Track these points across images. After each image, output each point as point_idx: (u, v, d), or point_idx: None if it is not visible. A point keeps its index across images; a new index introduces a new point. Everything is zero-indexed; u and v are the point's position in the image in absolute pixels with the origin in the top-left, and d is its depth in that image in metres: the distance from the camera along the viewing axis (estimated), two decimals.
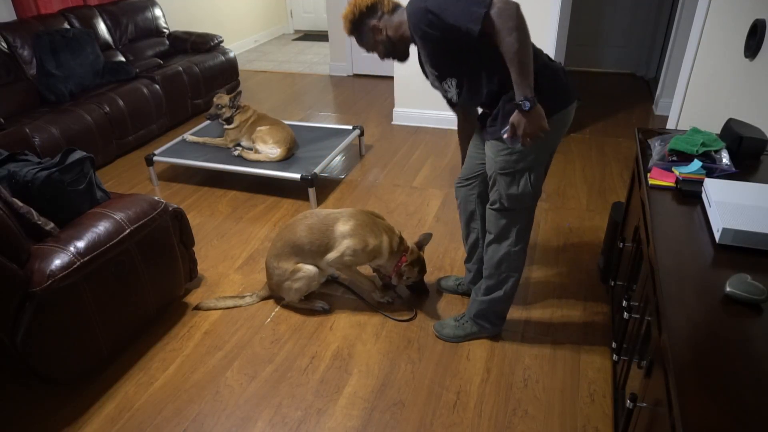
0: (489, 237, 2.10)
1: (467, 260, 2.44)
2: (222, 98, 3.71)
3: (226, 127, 3.75)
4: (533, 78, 1.69)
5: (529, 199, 1.97)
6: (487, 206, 2.07)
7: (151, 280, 2.28)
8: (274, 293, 2.53)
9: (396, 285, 2.55)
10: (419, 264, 2.45)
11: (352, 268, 2.42)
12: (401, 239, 2.45)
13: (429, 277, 2.69)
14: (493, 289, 2.15)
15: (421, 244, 2.50)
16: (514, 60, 1.66)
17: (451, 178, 3.67)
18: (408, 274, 2.44)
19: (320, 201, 3.46)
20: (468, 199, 2.28)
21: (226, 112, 3.71)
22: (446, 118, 4.43)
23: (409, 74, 4.42)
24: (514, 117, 1.74)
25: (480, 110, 2.09)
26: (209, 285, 2.70)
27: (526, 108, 1.69)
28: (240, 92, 3.85)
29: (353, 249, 2.31)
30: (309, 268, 2.36)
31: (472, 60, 1.82)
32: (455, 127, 2.39)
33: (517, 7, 1.62)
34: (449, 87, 1.94)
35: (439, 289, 2.61)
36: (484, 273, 2.17)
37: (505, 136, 1.80)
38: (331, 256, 2.34)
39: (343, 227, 2.33)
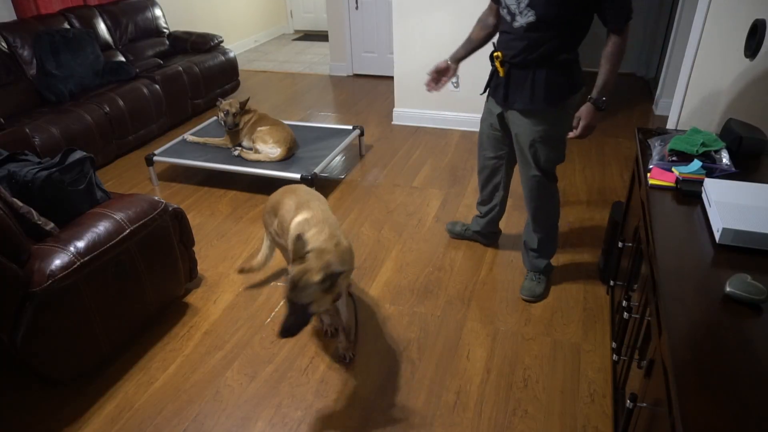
0: (536, 203, 2.37)
1: (481, 215, 2.78)
2: (233, 105, 3.69)
3: (227, 129, 3.75)
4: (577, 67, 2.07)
5: (560, 160, 2.27)
6: (527, 178, 2.32)
7: (151, 280, 2.28)
8: None
9: None
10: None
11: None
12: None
13: (430, 277, 2.69)
14: (551, 241, 2.50)
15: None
16: (615, 61, 2.01)
17: (451, 178, 3.67)
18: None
19: None
20: (496, 172, 2.56)
21: (238, 118, 3.70)
22: (446, 118, 4.44)
23: (409, 74, 4.42)
24: (588, 111, 2.05)
25: (498, 71, 2.17)
26: (209, 285, 2.70)
27: (603, 108, 2.04)
28: (248, 99, 3.85)
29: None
30: None
31: (572, 11, 1.98)
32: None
33: None
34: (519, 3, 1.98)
35: (449, 234, 2.98)
36: (539, 235, 2.46)
37: (571, 135, 2.15)
38: None
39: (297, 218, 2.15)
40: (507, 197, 2.70)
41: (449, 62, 2.39)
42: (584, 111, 2.07)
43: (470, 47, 2.38)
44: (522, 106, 2.14)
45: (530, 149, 2.22)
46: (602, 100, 2.02)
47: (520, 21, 2.00)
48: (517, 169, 2.46)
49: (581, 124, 2.08)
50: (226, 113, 3.65)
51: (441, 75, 2.40)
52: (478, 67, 2.67)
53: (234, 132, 3.72)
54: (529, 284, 2.54)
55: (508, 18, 2.05)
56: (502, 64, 2.13)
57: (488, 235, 2.87)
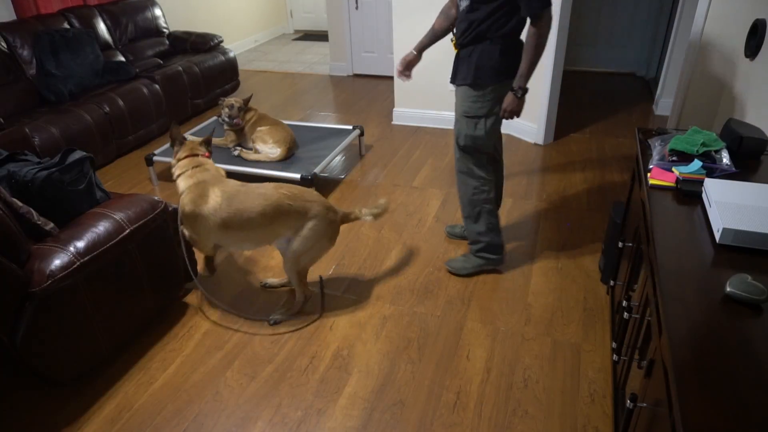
0: (457, 183, 2.57)
1: None
2: (237, 101, 3.68)
3: (227, 128, 3.74)
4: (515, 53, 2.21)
5: (481, 141, 2.40)
6: (454, 149, 2.52)
7: (151, 280, 2.28)
8: None
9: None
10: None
11: None
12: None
13: (430, 277, 2.69)
14: (475, 226, 2.60)
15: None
16: (532, 52, 2.13)
17: (451, 178, 3.67)
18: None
19: None
20: None
21: (241, 115, 3.69)
22: (446, 118, 4.43)
23: None
24: (508, 97, 2.25)
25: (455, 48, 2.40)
26: (209, 285, 2.70)
27: (519, 96, 2.23)
28: (251, 96, 3.84)
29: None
30: None
31: None
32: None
33: (550, 28, 2.14)
34: None
35: (447, 236, 3.00)
36: (462, 214, 2.64)
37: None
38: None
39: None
40: (499, 190, 2.75)
41: (414, 52, 2.62)
42: (506, 97, 2.29)
43: (433, 37, 2.58)
44: (459, 82, 2.38)
45: (456, 124, 2.45)
46: (519, 87, 2.22)
47: (463, 5, 2.27)
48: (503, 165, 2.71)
49: (501, 107, 2.31)
50: (231, 107, 3.63)
51: (410, 65, 2.64)
52: None
53: (237, 130, 3.71)
54: (458, 258, 2.73)
55: (459, 4, 2.31)
56: (455, 46, 2.38)
57: None
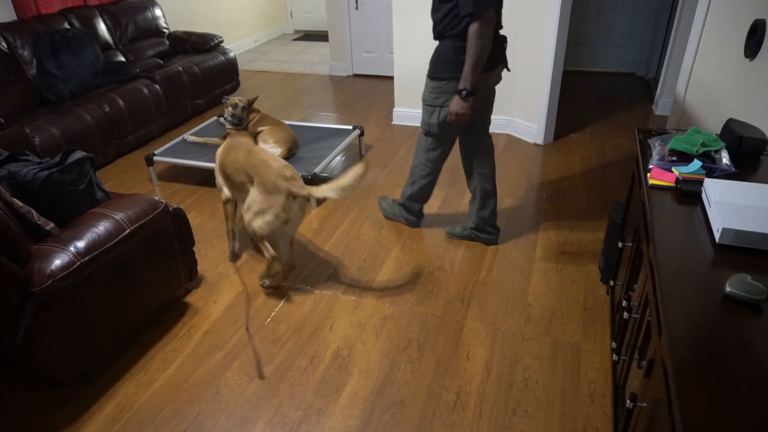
0: (417, 145, 2.80)
1: (471, 202, 2.92)
2: (242, 100, 3.67)
3: (229, 127, 3.73)
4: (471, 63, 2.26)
5: (435, 128, 2.57)
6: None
7: (151, 280, 2.28)
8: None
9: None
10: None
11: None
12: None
13: (430, 277, 2.69)
14: (407, 188, 2.96)
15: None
16: (470, 52, 2.21)
17: (450, 177, 3.67)
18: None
19: (320, 201, 3.46)
20: (467, 147, 2.79)
21: (245, 114, 3.67)
22: None
23: (409, 74, 4.43)
24: (454, 99, 2.36)
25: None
26: (209, 285, 2.70)
27: (463, 96, 2.32)
28: (257, 97, 3.84)
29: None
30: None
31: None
32: None
33: (491, 29, 2.22)
34: None
35: (447, 236, 3.03)
36: (409, 174, 2.92)
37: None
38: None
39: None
40: (490, 183, 2.79)
41: None
42: (453, 100, 2.38)
43: None
44: (427, 73, 2.52)
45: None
46: (463, 88, 2.30)
47: (431, 4, 2.39)
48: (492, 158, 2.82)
49: (449, 110, 2.41)
50: (235, 106, 3.62)
51: None
52: None
53: (240, 129, 3.69)
54: (388, 199, 3.19)
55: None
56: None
57: (485, 229, 2.88)
